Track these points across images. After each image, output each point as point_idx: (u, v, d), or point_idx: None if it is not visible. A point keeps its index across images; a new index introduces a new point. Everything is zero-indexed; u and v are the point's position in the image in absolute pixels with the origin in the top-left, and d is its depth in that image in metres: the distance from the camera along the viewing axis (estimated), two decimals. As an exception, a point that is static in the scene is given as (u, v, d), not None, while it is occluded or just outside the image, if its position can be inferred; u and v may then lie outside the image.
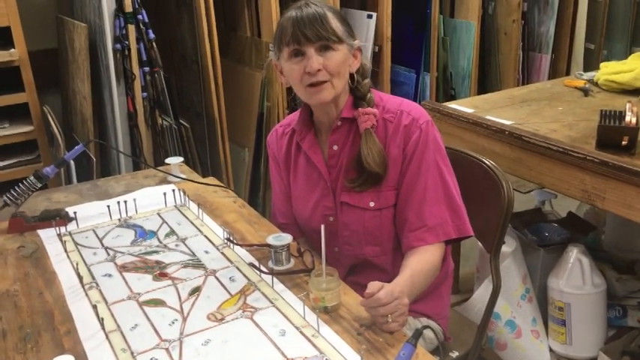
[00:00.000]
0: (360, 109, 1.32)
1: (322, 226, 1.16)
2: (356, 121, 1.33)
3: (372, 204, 1.34)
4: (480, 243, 1.60)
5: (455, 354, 1.52)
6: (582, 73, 2.40)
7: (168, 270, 1.29)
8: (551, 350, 2.00)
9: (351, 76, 1.33)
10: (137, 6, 2.37)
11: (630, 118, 1.60)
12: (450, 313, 1.55)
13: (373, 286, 1.06)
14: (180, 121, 2.67)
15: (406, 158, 1.31)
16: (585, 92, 2.17)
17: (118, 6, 2.34)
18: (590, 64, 3.60)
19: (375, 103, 1.34)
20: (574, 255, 1.91)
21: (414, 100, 3.25)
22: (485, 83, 3.66)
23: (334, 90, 1.29)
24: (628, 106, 1.66)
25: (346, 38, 1.28)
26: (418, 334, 0.92)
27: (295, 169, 1.45)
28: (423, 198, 1.30)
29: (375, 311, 1.06)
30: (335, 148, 1.37)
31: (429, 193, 1.30)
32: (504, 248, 1.90)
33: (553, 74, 3.62)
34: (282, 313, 1.12)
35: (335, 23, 1.26)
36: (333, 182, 1.38)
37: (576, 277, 1.90)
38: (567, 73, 3.57)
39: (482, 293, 1.77)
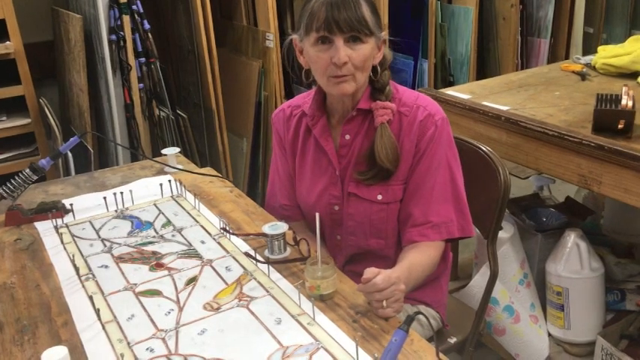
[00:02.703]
0: (378, 101, 1.30)
1: (317, 215, 1.16)
2: (371, 113, 1.31)
3: (379, 197, 1.32)
4: (477, 229, 1.60)
5: (453, 340, 1.52)
6: (580, 57, 2.39)
7: (165, 260, 1.29)
8: (549, 335, 2.00)
9: (373, 67, 1.30)
10: (132, -4, 2.37)
11: (626, 102, 1.59)
12: (449, 300, 1.56)
13: (370, 272, 1.06)
14: (178, 111, 2.67)
15: (418, 153, 1.29)
16: (583, 76, 2.16)
17: (113, -4, 2.33)
18: (590, 47, 3.58)
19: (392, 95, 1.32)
20: (572, 239, 1.91)
21: (413, 87, 3.25)
22: (484, 69, 3.64)
23: (356, 84, 1.26)
24: (624, 89, 1.65)
25: (375, 30, 1.24)
26: (410, 320, 0.92)
27: (303, 153, 1.42)
28: (430, 195, 1.29)
29: (372, 296, 1.07)
30: (347, 137, 1.35)
31: (438, 191, 1.29)
32: (502, 234, 1.90)
33: (552, 59, 3.60)
34: (278, 302, 1.13)
35: (367, 13, 1.22)
36: (342, 171, 1.36)
37: (574, 262, 1.90)
38: (567, 58, 3.55)
39: (480, 279, 1.78)
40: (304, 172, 1.43)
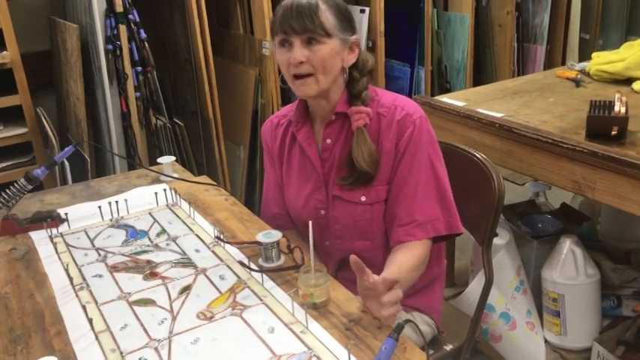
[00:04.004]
0: (353, 107, 1.32)
1: (310, 223, 1.16)
2: (350, 117, 1.33)
3: (363, 198, 1.34)
4: (472, 236, 1.60)
5: (449, 347, 1.52)
6: (574, 63, 2.40)
7: (159, 269, 1.30)
8: (546, 341, 2.00)
9: (349, 70, 1.32)
10: (128, 5, 2.38)
11: (619, 108, 1.60)
12: (445, 307, 1.56)
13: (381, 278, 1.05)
14: (175, 120, 2.67)
15: (399, 153, 1.31)
16: (577, 83, 2.16)
17: (109, 6, 2.34)
18: (586, 54, 3.59)
19: (370, 98, 1.34)
20: (567, 246, 1.91)
21: (409, 94, 3.25)
22: (481, 76, 3.65)
23: (318, 85, 1.28)
24: (617, 95, 1.66)
25: (338, 32, 1.26)
26: (400, 327, 0.92)
27: (289, 159, 1.45)
28: (414, 194, 1.30)
29: (372, 301, 1.07)
30: (328, 141, 1.37)
31: (421, 189, 1.30)
32: (498, 240, 1.90)
33: (549, 65, 3.61)
34: (272, 310, 1.13)
35: (326, 16, 1.25)
36: (326, 175, 1.38)
37: (570, 268, 1.90)
38: (563, 64, 3.56)
39: (475, 286, 1.77)
40: (291, 179, 1.45)
